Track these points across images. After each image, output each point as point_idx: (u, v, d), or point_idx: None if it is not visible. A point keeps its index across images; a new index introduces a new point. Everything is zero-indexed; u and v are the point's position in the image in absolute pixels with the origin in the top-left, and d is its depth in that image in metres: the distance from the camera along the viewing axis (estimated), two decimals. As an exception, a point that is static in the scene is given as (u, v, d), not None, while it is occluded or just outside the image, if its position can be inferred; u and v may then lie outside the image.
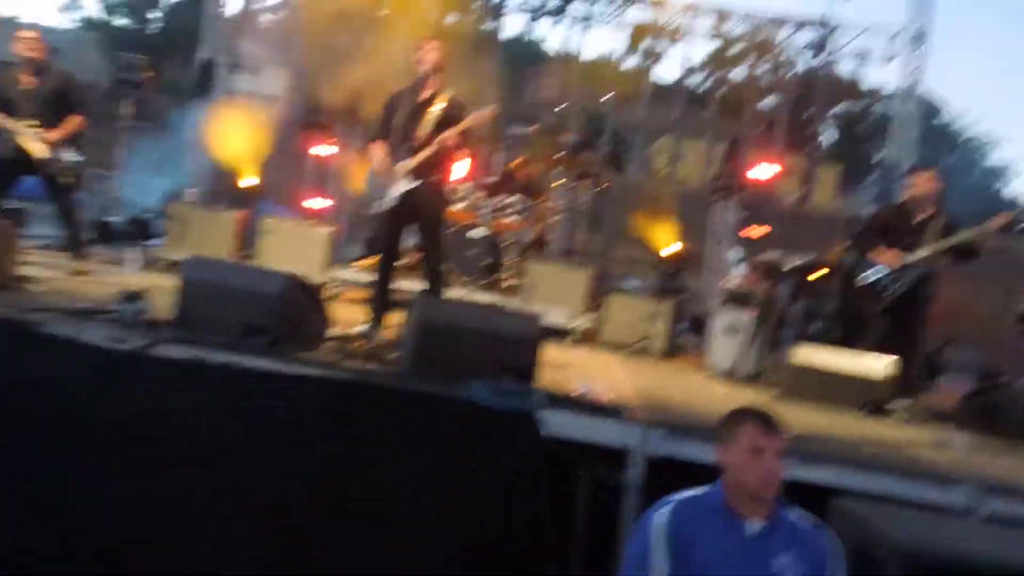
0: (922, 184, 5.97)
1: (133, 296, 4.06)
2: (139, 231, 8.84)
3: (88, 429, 3.48)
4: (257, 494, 3.47)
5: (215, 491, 3.45)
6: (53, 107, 5.90)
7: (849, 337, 6.73)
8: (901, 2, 12.92)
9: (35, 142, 5.79)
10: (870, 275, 5.97)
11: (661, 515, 2.52)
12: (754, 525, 2.48)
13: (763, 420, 2.53)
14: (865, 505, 3.07)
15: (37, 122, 5.81)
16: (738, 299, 6.53)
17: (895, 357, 5.37)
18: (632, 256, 13.20)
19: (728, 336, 6.35)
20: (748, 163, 10.85)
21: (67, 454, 3.41)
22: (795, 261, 6.19)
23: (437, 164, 5.16)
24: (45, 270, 5.73)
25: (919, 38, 12.94)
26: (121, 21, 42.61)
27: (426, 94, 5.12)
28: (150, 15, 45.91)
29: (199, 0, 14.35)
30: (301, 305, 4.30)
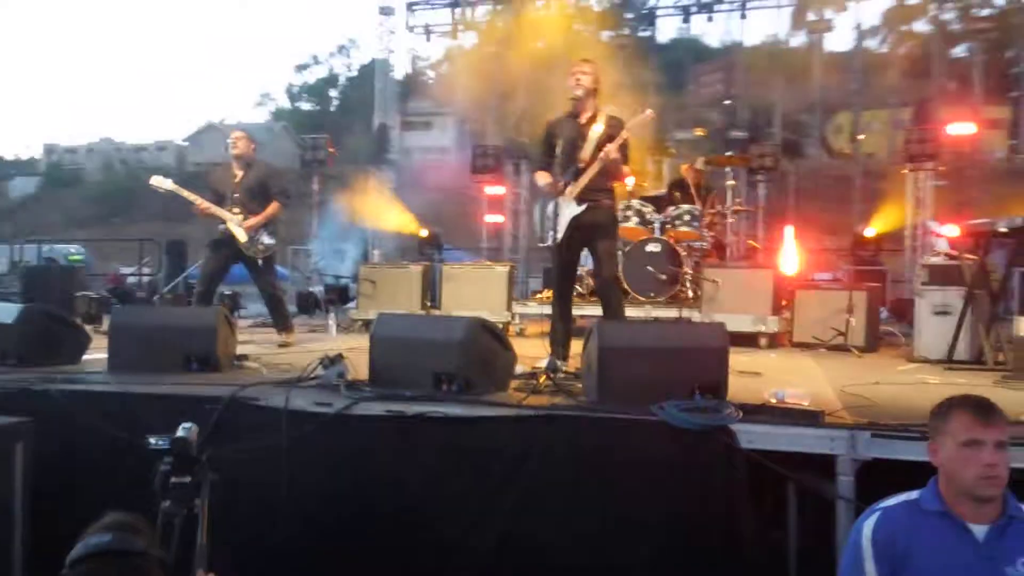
0: None
1: (332, 361, 4.38)
2: (337, 296, 9.58)
3: (307, 492, 3.80)
4: (483, 533, 3.63)
5: (439, 542, 3.66)
6: (256, 196, 6.65)
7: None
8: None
9: (237, 228, 6.49)
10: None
11: (869, 524, 2.35)
12: (980, 529, 2.24)
13: (978, 407, 2.30)
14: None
15: (239, 210, 6.52)
16: (945, 275, 5.99)
17: None
18: (821, 245, 12.51)
19: (937, 319, 5.84)
20: (940, 124, 10.04)
21: (292, 520, 3.74)
22: (1009, 223, 5.56)
23: (603, 184, 5.15)
24: (258, 347, 6.37)
25: None
26: (306, 106, 46.75)
27: (585, 116, 5.13)
28: (331, 93, 50.03)
29: (372, 71, 15.40)
30: (486, 347, 4.43)
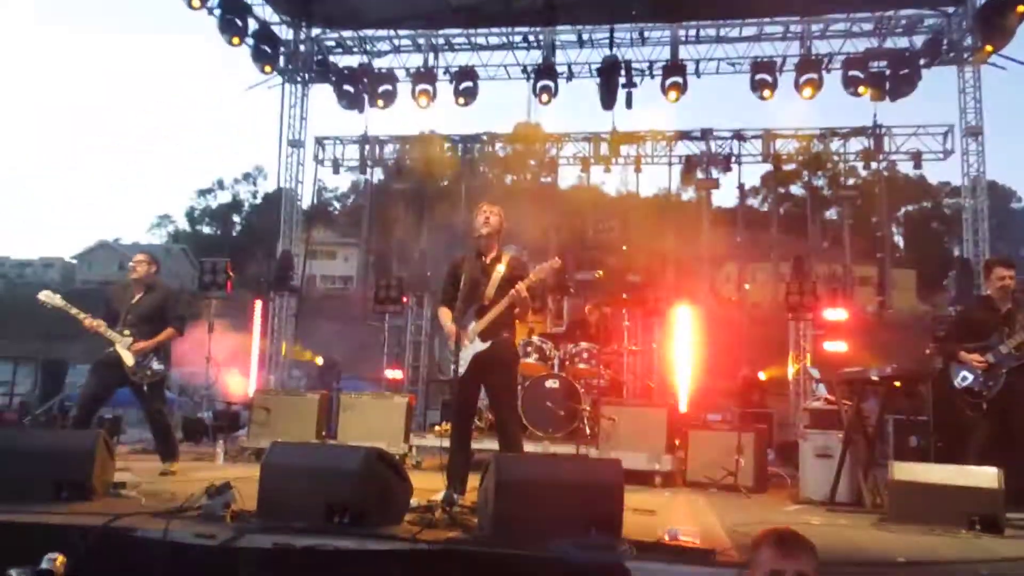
0: (1005, 280, 5.85)
1: (219, 490, 4.19)
2: (226, 423, 9.20)
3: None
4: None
5: None
6: (150, 320, 6.49)
7: (952, 446, 6.41)
8: (950, 99, 12.99)
9: (125, 351, 6.25)
10: (964, 378, 5.76)
11: None
12: None
13: (780, 541, 2.43)
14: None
15: (130, 332, 6.31)
16: (824, 420, 6.32)
17: (1005, 466, 5.06)
18: (712, 386, 12.98)
19: (819, 461, 6.11)
20: (817, 301, 10.78)
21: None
22: (879, 372, 5.99)
23: (505, 323, 5.25)
24: (137, 475, 6.01)
25: (973, 131, 12.87)
26: (207, 230, 46.22)
27: (489, 257, 5.29)
28: (234, 219, 49.78)
29: (278, 198, 15.47)
30: (383, 478, 4.33)
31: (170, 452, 6.51)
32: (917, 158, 13.81)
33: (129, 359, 6.29)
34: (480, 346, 5.15)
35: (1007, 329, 5.68)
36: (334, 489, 4.09)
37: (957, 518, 4.82)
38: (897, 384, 6.28)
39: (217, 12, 12.14)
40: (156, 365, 6.42)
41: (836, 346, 11.42)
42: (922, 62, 12.84)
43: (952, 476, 5.03)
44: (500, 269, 5.25)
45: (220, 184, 53.95)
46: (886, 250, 18.92)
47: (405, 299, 13.07)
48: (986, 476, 4.91)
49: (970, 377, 5.73)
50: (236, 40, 12.41)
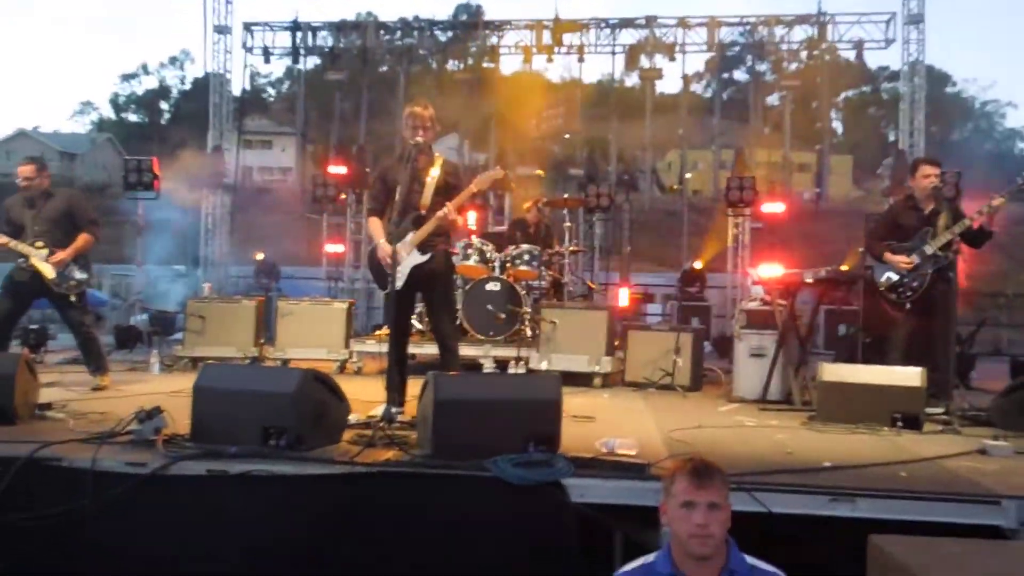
0: (929, 178, 5.91)
1: (149, 414, 4.08)
2: (162, 328, 8.99)
3: (116, 558, 3.51)
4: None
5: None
6: (62, 226, 6.11)
7: (879, 342, 6.63)
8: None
9: (43, 263, 5.95)
10: (888, 278, 5.89)
11: None
12: None
13: (694, 472, 2.46)
14: (904, 540, 2.96)
15: (43, 243, 5.99)
16: (760, 320, 6.44)
17: (926, 363, 5.26)
18: (654, 279, 13.18)
19: (753, 360, 6.26)
20: (756, 196, 10.83)
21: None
22: (814, 274, 6.09)
23: (443, 233, 5.12)
24: (66, 390, 5.86)
25: (915, 19, 12.80)
26: (133, 117, 43.93)
27: (422, 161, 5.04)
28: (162, 106, 47.42)
29: (207, 85, 14.70)
30: (319, 399, 4.28)
31: (99, 365, 6.31)
32: (860, 47, 13.75)
33: (49, 271, 5.97)
34: (419, 258, 5.01)
35: (931, 229, 5.77)
36: (269, 412, 4.02)
37: (881, 416, 5.02)
38: (830, 287, 6.42)
39: None
40: (79, 275, 6.11)
41: (773, 238, 11.61)
42: (869, -55, 12.58)
43: (877, 376, 5.22)
44: (434, 174, 5.05)
45: (145, 69, 51.06)
46: (825, 142, 19.02)
47: (343, 196, 12.76)
48: (909, 375, 5.10)
49: (894, 277, 5.86)
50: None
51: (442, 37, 16.29)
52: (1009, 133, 53.54)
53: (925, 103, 13.06)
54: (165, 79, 50.52)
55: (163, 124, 42.37)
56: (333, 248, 13.06)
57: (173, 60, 51.02)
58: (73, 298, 6.11)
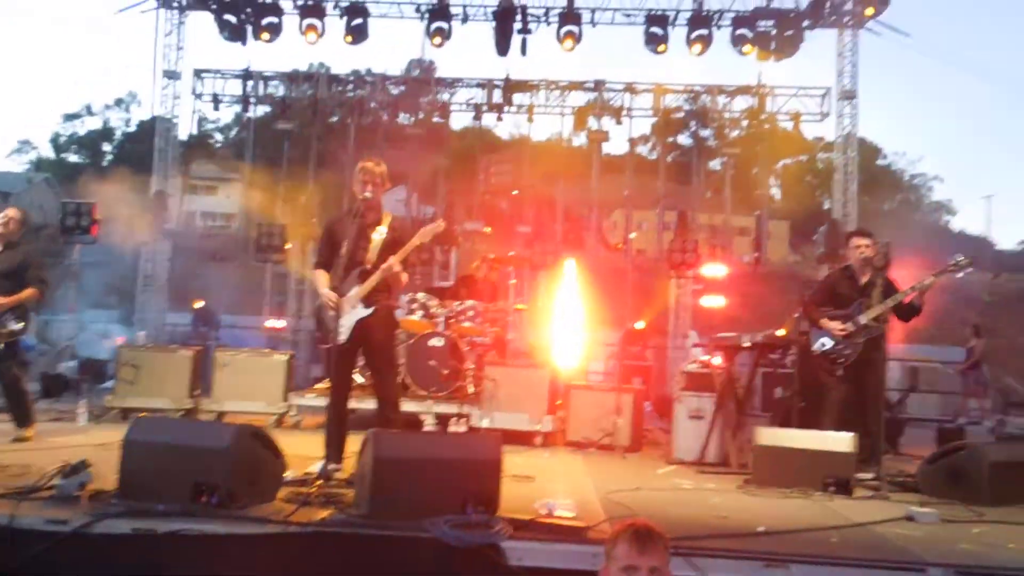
0: (861, 248, 6.15)
1: (74, 468, 3.95)
2: (91, 376, 8.71)
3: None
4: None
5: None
6: (10, 278, 6.04)
7: (813, 406, 6.78)
8: (828, 63, 13.54)
9: None
10: (823, 344, 6.07)
11: None
12: None
13: (636, 535, 2.48)
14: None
15: None
16: (698, 383, 6.55)
17: (857, 428, 5.41)
18: (596, 337, 13.26)
19: (692, 422, 6.35)
20: (698, 258, 11.11)
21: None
22: (751, 338, 6.25)
23: (387, 288, 5.12)
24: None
25: (848, 94, 13.45)
26: (73, 158, 42.92)
27: (369, 217, 5.07)
28: (104, 148, 46.55)
29: (152, 128, 14.54)
30: (254, 455, 4.20)
31: (25, 417, 6.10)
32: (796, 119, 14.33)
33: None
34: (363, 312, 5.00)
35: (866, 300, 5.99)
36: (202, 468, 3.92)
37: (813, 480, 5.14)
38: (766, 351, 6.58)
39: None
40: (13, 324, 6.01)
41: (714, 300, 11.85)
42: (806, 23, 13.24)
43: (810, 441, 5.35)
44: (382, 231, 5.09)
45: (89, 110, 50.17)
46: (764, 207, 19.65)
47: (288, 246, 12.66)
48: (841, 441, 5.24)
49: (829, 343, 6.05)
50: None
51: (394, 91, 16.48)
52: (936, 205, 56.10)
53: (858, 173, 13.65)
54: (109, 120, 49.83)
55: (104, 166, 41.55)
56: (275, 323, 12.85)
57: (119, 102, 50.33)
58: (2, 346, 5.93)
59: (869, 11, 12.23)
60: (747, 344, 6.25)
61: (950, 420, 11.91)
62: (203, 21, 13.63)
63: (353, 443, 4.62)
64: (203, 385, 7.79)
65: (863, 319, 5.94)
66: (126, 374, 7.46)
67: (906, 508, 4.56)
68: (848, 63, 13.37)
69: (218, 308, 14.44)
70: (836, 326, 6.00)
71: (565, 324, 10.16)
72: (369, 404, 6.71)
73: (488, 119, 14.88)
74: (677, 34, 13.01)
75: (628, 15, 13.55)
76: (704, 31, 12.81)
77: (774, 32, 12.94)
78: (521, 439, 6.86)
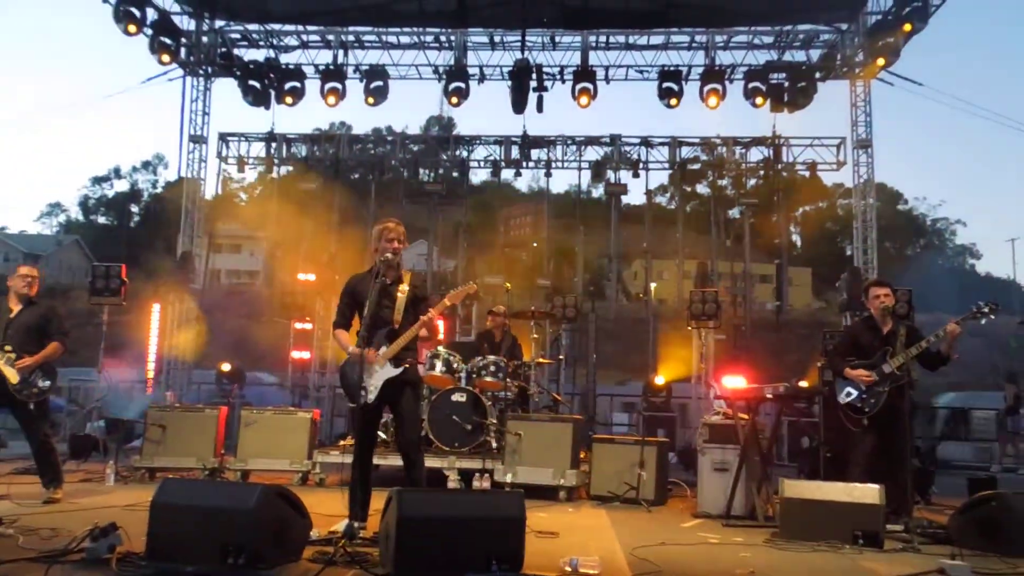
0: (880, 299, 6.15)
1: (104, 531, 3.99)
2: (120, 435, 8.80)
3: None
4: None
5: None
6: (33, 335, 6.16)
7: (840, 456, 6.71)
8: (843, 112, 13.62)
9: (9, 368, 5.95)
10: (848, 393, 6.03)
11: None
12: None
13: None
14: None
15: (11, 348, 6.01)
16: (722, 435, 6.51)
17: (886, 478, 5.35)
18: (619, 390, 13.24)
19: (717, 475, 6.30)
20: (719, 310, 11.04)
21: None
22: (773, 390, 6.23)
23: (413, 347, 5.18)
24: (17, 504, 5.69)
25: (864, 143, 13.52)
26: (102, 219, 43.92)
27: (391, 277, 5.16)
28: (132, 208, 47.60)
29: (179, 189, 14.88)
30: (280, 515, 4.23)
31: (54, 477, 6.16)
32: (813, 168, 14.41)
33: (13, 376, 5.97)
34: (391, 371, 5.06)
35: (890, 349, 5.97)
36: (228, 529, 3.96)
37: (842, 533, 5.07)
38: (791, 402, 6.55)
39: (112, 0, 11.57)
40: (42, 382, 6.11)
41: (733, 383, 11.76)
42: (818, 75, 13.39)
43: (838, 493, 5.28)
44: (404, 289, 5.18)
45: (117, 172, 51.58)
46: (784, 256, 19.63)
47: (311, 304, 12.80)
48: (869, 492, 5.17)
49: (854, 393, 6.01)
50: (133, 28, 11.85)
51: (414, 147, 16.81)
52: (960, 249, 55.78)
53: (879, 219, 13.62)
54: (137, 182, 51.07)
55: (132, 227, 42.42)
56: (299, 355, 12.99)
57: (146, 164, 51.68)
58: (32, 406, 6.04)
59: (880, 62, 12.36)
60: (769, 396, 6.22)
61: (984, 467, 11.71)
62: (228, 86, 14.05)
63: (377, 500, 4.64)
64: (228, 443, 7.85)
65: (887, 368, 5.92)
66: (154, 434, 7.54)
67: (938, 561, 4.47)
68: (862, 113, 13.45)
69: (243, 365, 14.56)
70: (861, 373, 5.98)
71: (588, 377, 10.15)
72: (393, 460, 6.77)
73: (507, 173, 15.09)
74: (691, 89, 13.22)
75: (641, 71, 13.80)
76: (717, 85, 12.98)
77: (787, 84, 13.08)
78: (544, 494, 6.83)
